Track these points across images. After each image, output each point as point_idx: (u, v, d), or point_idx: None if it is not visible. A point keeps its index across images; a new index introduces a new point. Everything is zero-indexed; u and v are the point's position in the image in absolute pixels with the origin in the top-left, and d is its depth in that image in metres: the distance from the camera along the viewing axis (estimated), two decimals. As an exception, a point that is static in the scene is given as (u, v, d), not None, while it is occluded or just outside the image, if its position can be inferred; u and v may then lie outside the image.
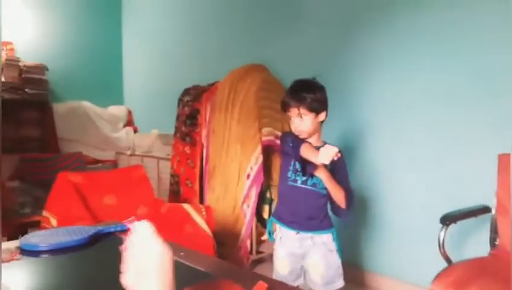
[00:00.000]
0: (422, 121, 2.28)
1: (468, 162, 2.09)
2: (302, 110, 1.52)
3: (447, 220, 1.71)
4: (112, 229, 1.28)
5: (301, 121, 1.54)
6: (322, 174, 1.51)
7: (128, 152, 4.15)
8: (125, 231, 1.30)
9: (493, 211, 1.83)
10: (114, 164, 4.03)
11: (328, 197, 1.59)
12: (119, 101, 4.92)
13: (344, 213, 1.59)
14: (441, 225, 1.70)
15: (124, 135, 4.30)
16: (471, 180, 2.06)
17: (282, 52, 3.04)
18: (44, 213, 1.76)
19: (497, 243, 1.80)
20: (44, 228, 1.73)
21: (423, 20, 2.25)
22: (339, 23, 2.68)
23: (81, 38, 4.64)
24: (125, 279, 0.57)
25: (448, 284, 1.50)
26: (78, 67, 4.56)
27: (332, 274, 1.59)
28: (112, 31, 4.97)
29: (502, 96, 1.96)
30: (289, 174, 1.60)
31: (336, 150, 1.33)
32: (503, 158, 1.82)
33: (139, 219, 1.98)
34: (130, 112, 4.60)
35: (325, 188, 1.56)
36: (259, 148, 2.63)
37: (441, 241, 1.69)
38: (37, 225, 1.90)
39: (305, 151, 1.45)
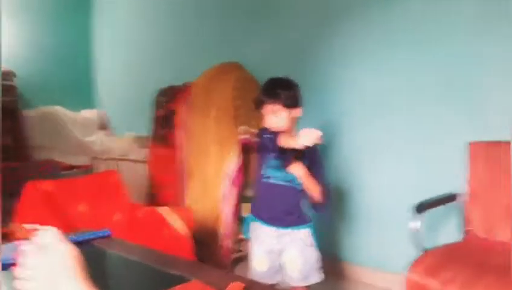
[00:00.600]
0: (394, 113, 2.33)
1: (438, 152, 2.15)
2: (277, 107, 1.53)
3: (420, 208, 1.75)
4: (93, 236, 1.25)
5: (276, 118, 1.55)
6: (298, 172, 1.52)
7: (103, 156, 4.06)
8: (109, 236, 1.28)
9: (462, 198, 1.89)
10: (89, 169, 3.94)
11: (305, 192, 1.60)
12: (92, 104, 4.80)
13: (321, 207, 1.61)
14: (413, 214, 1.75)
15: (98, 138, 4.20)
16: (441, 169, 2.12)
17: (257, 50, 3.03)
18: (12, 225, 1.71)
19: (467, 228, 1.87)
20: (18, 239, 1.68)
21: (396, 16, 2.29)
22: (313, 21, 2.70)
23: (50, 41, 4.50)
24: (31, 287, 0.57)
25: (423, 271, 1.55)
26: (47, 71, 4.42)
27: (310, 268, 1.60)
28: (82, 32, 4.83)
29: (472, 87, 2.03)
30: (265, 171, 1.61)
31: (319, 132, 1.35)
32: (473, 146, 1.89)
33: (114, 225, 1.95)
34: (103, 115, 4.50)
35: (291, 181, 1.57)
36: (237, 148, 2.62)
37: (415, 229, 1.74)
38: (5, 238, 1.84)
39: (284, 139, 1.46)
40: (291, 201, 1.60)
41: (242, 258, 2.81)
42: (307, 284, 1.61)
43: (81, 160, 4.10)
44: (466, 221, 1.88)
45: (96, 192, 2.04)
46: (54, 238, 0.61)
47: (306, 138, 1.34)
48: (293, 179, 1.57)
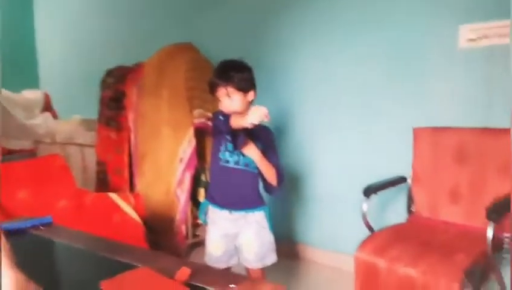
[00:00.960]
0: (344, 98, 2.38)
1: (387, 136, 2.23)
2: (230, 90, 1.51)
3: (369, 191, 1.82)
4: (31, 224, 1.16)
5: (230, 101, 1.53)
6: (253, 154, 1.53)
7: (48, 140, 3.81)
8: (50, 224, 1.19)
9: (409, 181, 1.98)
10: (32, 154, 3.69)
11: (260, 175, 1.60)
12: (35, 84, 4.48)
13: (275, 190, 1.63)
14: (363, 196, 1.81)
15: (41, 121, 3.92)
16: (390, 152, 2.20)
17: (210, 31, 2.96)
18: None
19: (413, 210, 1.97)
20: None
21: (344, 5, 2.32)
22: (267, 4, 2.67)
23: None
24: None
25: (371, 250, 1.61)
26: (-16, 49, 4.04)
27: (265, 250, 1.63)
28: (23, 8, 4.46)
29: (419, 73, 2.10)
30: (221, 155, 1.59)
31: (265, 109, 1.35)
32: (417, 132, 1.97)
33: (59, 212, 1.84)
34: (47, 96, 4.20)
35: (257, 167, 1.57)
36: (191, 131, 2.56)
37: (364, 212, 1.80)
38: None
39: (235, 120, 1.44)
40: (248, 185, 1.60)
41: (199, 244, 2.79)
42: (262, 266, 1.64)
43: (23, 144, 3.83)
44: (411, 202, 1.97)
45: (38, 177, 1.91)
46: None
47: (254, 115, 1.35)
48: (249, 163, 1.57)
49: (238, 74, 1.52)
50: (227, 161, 1.57)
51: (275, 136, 1.67)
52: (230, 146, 1.56)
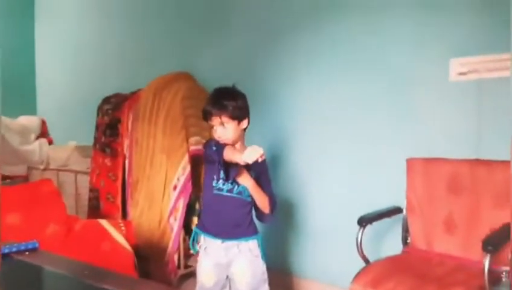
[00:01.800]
0: (339, 128, 2.39)
1: (381, 167, 2.22)
2: (224, 119, 1.52)
3: (363, 221, 1.79)
4: (15, 249, 1.13)
5: (224, 130, 1.53)
6: (247, 182, 1.53)
7: (42, 166, 3.79)
8: (36, 249, 1.16)
9: (404, 212, 1.96)
10: (25, 180, 3.65)
11: (253, 203, 1.59)
12: (32, 110, 4.49)
13: (268, 218, 1.61)
14: (358, 227, 1.78)
15: (36, 147, 3.91)
16: (385, 183, 2.19)
17: (207, 61, 3.02)
18: None
19: (408, 241, 1.94)
20: None
21: (341, 34, 2.37)
22: (262, 34, 2.74)
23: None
24: None
25: (366, 282, 1.57)
26: (-17, 74, 4.08)
27: (258, 280, 1.59)
28: (24, 35, 4.56)
29: (412, 105, 2.13)
30: (214, 183, 1.58)
31: (261, 150, 1.35)
32: (410, 162, 1.98)
33: (48, 238, 1.80)
34: (44, 123, 4.21)
35: (250, 196, 1.55)
36: (186, 158, 2.56)
37: (359, 242, 1.77)
38: None
39: (229, 153, 1.44)
40: (241, 213, 1.59)
41: (191, 274, 2.71)
42: None
43: (17, 170, 3.80)
44: (407, 233, 1.95)
45: (28, 202, 1.88)
46: None
47: (249, 155, 1.35)
48: (242, 191, 1.56)
49: (232, 102, 1.53)
50: (221, 189, 1.56)
51: (267, 163, 1.67)
52: (223, 175, 1.55)
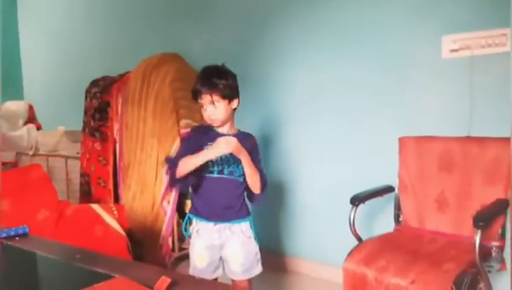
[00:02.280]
0: (330, 108, 2.38)
1: (373, 146, 2.23)
2: (215, 97, 1.48)
3: (356, 200, 1.80)
4: (5, 234, 1.11)
5: (214, 109, 1.50)
6: (242, 154, 1.48)
7: (31, 152, 3.73)
8: (26, 234, 1.14)
9: (396, 190, 1.97)
10: (14, 166, 3.60)
11: (245, 184, 1.57)
12: (19, 95, 4.40)
13: (258, 198, 1.59)
14: (350, 206, 1.79)
15: (25, 133, 3.85)
16: (377, 161, 2.20)
17: (196, 42, 2.96)
18: None
19: (400, 219, 1.96)
20: None
21: (330, 16, 2.34)
22: (252, 13, 2.69)
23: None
24: None
25: (359, 260, 1.59)
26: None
27: (251, 261, 1.59)
28: (6, 16, 4.41)
29: (404, 83, 2.12)
30: (208, 165, 1.53)
31: (235, 140, 1.40)
32: (402, 141, 1.98)
33: (39, 224, 1.78)
34: (31, 108, 4.13)
35: (242, 175, 1.53)
36: (177, 142, 2.53)
37: (351, 221, 1.78)
38: None
39: (204, 156, 1.44)
40: (233, 195, 1.57)
41: (185, 257, 2.72)
42: (249, 277, 1.60)
43: (6, 156, 3.74)
44: (399, 211, 1.96)
45: (17, 188, 1.85)
46: None
47: (225, 146, 1.38)
48: (234, 171, 1.53)
49: (222, 80, 1.49)
50: (212, 171, 1.54)
51: (257, 141, 1.65)
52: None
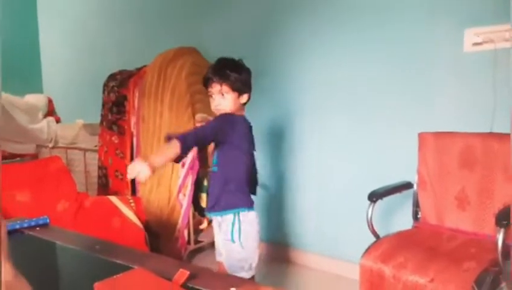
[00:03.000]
0: (347, 103, 2.35)
1: (391, 141, 2.19)
2: (225, 88, 1.48)
3: (374, 196, 1.77)
4: (27, 225, 1.13)
5: (222, 99, 1.49)
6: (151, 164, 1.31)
7: (50, 145, 3.80)
8: (47, 225, 1.17)
9: (415, 187, 1.94)
10: (34, 158, 3.67)
11: (225, 175, 1.50)
12: (38, 89, 4.48)
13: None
14: (368, 202, 1.77)
15: (44, 126, 3.91)
16: (395, 157, 2.16)
17: (212, 35, 2.95)
18: None
19: (419, 216, 1.92)
20: None
21: (347, 7, 2.30)
22: (270, 7, 2.66)
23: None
24: None
25: (376, 257, 1.57)
26: (-13, 52, 4.07)
27: (233, 264, 1.50)
28: (26, 11, 4.49)
29: (424, 77, 2.08)
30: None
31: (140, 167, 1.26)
32: (422, 136, 1.94)
33: (59, 215, 1.81)
34: (50, 101, 4.20)
35: (216, 165, 1.50)
36: (193, 135, 2.54)
37: (369, 217, 1.76)
38: None
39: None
40: (214, 186, 1.54)
41: (201, 249, 2.75)
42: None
43: (25, 148, 3.82)
44: (417, 208, 1.93)
45: (37, 180, 1.89)
46: None
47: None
48: (212, 163, 1.53)
49: (235, 73, 1.49)
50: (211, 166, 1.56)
51: (235, 120, 1.50)
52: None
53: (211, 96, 1.52)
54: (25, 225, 1.12)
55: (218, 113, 1.53)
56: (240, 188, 1.50)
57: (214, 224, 1.60)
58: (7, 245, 0.50)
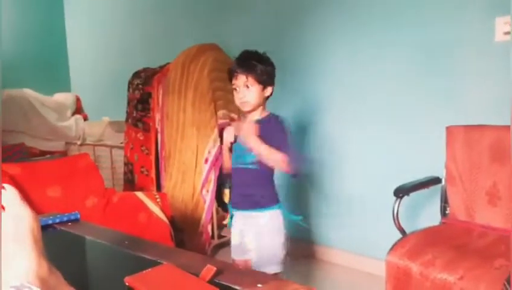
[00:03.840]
0: (374, 96, 2.30)
1: (418, 135, 2.14)
2: (250, 80, 1.46)
3: (400, 192, 1.74)
4: (59, 220, 1.17)
5: (247, 91, 1.47)
6: (249, 141, 1.43)
7: (79, 142, 3.92)
8: (78, 220, 1.21)
9: (443, 182, 1.89)
10: (63, 155, 3.80)
11: (271, 173, 1.52)
12: (66, 88, 4.63)
13: (292, 175, 1.51)
14: (394, 198, 1.73)
15: (73, 123, 4.05)
16: (423, 151, 2.11)
17: (234, 31, 2.96)
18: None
19: (447, 212, 1.87)
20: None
21: (372, 2, 2.25)
22: (290, 4, 2.64)
23: (21, 22, 4.29)
24: None
25: (403, 254, 1.54)
26: (18, 52, 4.22)
27: (265, 260, 1.51)
28: (54, 12, 4.63)
29: (452, 69, 2.01)
30: (233, 156, 1.56)
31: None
32: (450, 130, 1.88)
33: (88, 210, 1.86)
34: (78, 99, 4.34)
35: (255, 163, 1.47)
36: (216, 131, 2.56)
37: (395, 213, 1.73)
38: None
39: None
40: (250, 183, 1.53)
41: (224, 244, 2.78)
42: (272, 272, 1.47)
43: (55, 145, 3.96)
44: (445, 204, 1.88)
45: (67, 176, 1.95)
46: (11, 200, 0.53)
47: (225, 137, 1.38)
48: (246, 160, 1.50)
49: (260, 65, 1.47)
50: (236, 162, 1.54)
51: (285, 123, 1.54)
52: (236, 147, 1.52)
53: (235, 89, 1.50)
54: (57, 220, 1.16)
55: (243, 107, 1.50)
56: (274, 185, 1.56)
57: (241, 221, 1.55)
58: (42, 240, 0.52)
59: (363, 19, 2.30)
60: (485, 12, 1.89)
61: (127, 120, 3.06)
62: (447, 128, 1.89)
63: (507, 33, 1.84)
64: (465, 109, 1.97)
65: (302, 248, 2.55)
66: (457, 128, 1.87)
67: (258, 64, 1.47)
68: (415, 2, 2.10)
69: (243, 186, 1.54)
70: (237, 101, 1.52)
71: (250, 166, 1.49)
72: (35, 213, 0.53)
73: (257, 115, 1.53)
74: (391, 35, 2.20)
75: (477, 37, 1.93)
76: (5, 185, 0.55)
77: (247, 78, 1.46)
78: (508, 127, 1.73)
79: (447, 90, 2.03)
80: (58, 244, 1.03)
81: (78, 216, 1.20)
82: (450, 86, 2.02)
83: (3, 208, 0.53)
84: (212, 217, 2.63)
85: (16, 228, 0.51)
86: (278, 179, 1.58)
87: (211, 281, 0.75)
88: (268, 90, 1.51)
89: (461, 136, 1.84)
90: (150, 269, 0.77)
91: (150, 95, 2.87)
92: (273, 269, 1.48)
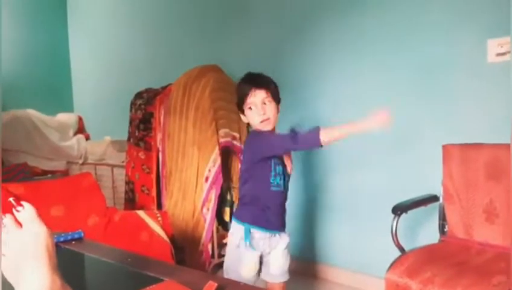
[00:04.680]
0: (372, 115, 2.34)
1: (416, 153, 2.17)
2: (269, 95, 1.46)
3: (398, 210, 1.76)
4: (63, 238, 1.20)
5: (267, 108, 1.45)
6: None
7: (80, 161, 3.95)
8: (81, 238, 1.23)
9: (441, 200, 1.91)
10: (65, 174, 3.82)
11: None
12: (69, 108, 4.69)
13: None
14: (392, 215, 1.75)
15: (75, 143, 4.09)
16: (420, 170, 2.14)
17: (235, 52, 3.03)
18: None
19: (446, 229, 1.89)
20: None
21: (369, 22, 2.32)
22: (290, 23, 2.72)
23: (24, 42, 4.37)
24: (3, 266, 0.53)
25: (402, 271, 1.55)
26: (22, 73, 4.30)
27: (287, 266, 1.65)
28: (58, 34, 4.73)
29: (447, 89, 2.06)
30: (271, 179, 1.51)
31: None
32: (446, 149, 1.92)
33: (90, 229, 1.88)
34: (80, 119, 4.39)
35: (281, 186, 1.56)
36: (216, 150, 2.59)
37: (394, 231, 1.74)
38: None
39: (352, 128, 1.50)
40: (283, 204, 1.61)
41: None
42: (284, 280, 1.64)
43: (57, 165, 3.98)
44: (444, 222, 1.90)
45: (70, 195, 1.97)
46: (30, 217, 0.57)
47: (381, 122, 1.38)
48: (282, 184, 1.55)
49: (272, 83, 1.52)
50: (278, 185, 1.53)
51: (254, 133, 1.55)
52: (279, 169, 1.53)
53: (250, 108, 1.46)
54: (62, 239, 1.18)
55: (263, 126, 1.46)
56: None
57: (265, 240, 1.54)
58: (55, 257, 0.55)
59: (362, 42, 2.36)
60: (477, 35, 1.95)
61: (128, 139, 3.10)
62: (443, 146, 1.92)
63: (500, 54, 1.90)
64: (461, 128, 2.02)
65: (304, 266, 2.54)
66: (453, 147, 1.90)
67: (271, 82, 1.50)
68: (412, 21, 2.16)
69: (281, 208, 1.59)
70: (257, 119, 1.46)
71: (278, 188, 1.55)
72: (50, 230, 0.56)
73: None
74: (389, 58, 2.26)
75: (470, 58, 1.98)
76: (23, 202, 0.59)
77: (266, 93, 1.45)
78: (503, 145, 1.77)
79: (443, 110, 2.08)
80: (63, 263, 1.05)
81: (82, 235, 1.23)
82: (446, 106, 2.07)
83: (20, 225, 0.56)
84: (212, 236, 2.64)
85: (35, 245, 0.54)
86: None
87: (213, 297, 0.77)
88: (279, 107, 1.54)
89: (457, 154, 1.88)
90: (153, 286, 0.80)
91: (152, 115, 2.91)
92: (285, 277, 1.64)
